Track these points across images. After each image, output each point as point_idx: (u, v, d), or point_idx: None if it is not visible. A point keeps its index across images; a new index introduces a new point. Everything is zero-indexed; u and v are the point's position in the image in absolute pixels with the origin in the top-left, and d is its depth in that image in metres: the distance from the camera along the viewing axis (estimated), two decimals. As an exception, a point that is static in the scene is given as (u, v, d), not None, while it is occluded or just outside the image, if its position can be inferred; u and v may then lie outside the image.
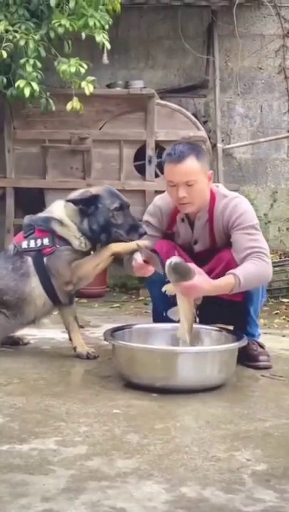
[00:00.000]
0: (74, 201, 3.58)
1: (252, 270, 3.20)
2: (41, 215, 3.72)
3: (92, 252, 3.64)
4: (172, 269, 3.02)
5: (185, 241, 3.54)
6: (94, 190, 3.65)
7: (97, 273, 3.65)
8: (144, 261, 3.26)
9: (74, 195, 3.64)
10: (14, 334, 3.82)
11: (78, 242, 3.57)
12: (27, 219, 3.69)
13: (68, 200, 3.60)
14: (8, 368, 3.39)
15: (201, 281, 3.09)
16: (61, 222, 3.58)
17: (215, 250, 3.46)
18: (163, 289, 3.13)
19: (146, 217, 3.62)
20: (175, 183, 3.32)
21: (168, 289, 3.12)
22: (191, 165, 3.30)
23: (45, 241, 3.55)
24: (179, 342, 3.17)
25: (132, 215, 3.60)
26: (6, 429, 2.52)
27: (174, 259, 3.06)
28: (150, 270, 3.29)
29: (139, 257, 3.28)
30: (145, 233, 3.50)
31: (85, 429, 2.53)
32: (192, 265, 3.14)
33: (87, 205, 3.54)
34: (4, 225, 6.11)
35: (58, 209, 3.64)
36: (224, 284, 3.15)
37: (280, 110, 7.00)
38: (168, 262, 3.04)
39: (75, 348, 3.61)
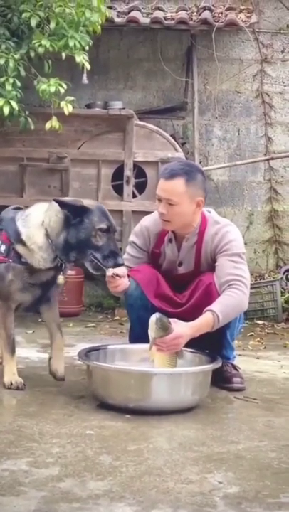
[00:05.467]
0: (61, 203, 3.29)
1: (229, 303, 3.23)
2: (18, 223, 3.39)
3: (53, 271, 3.37)
4: (160, 324, 3.03)
5: (170, 262, 3.54)
6: (86, 202, 3.36)
7: None
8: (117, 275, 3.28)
9: (64, 198, 3.44)
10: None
11: (37, 262, 3.31)
12: (4, 213, 3.48)
13: (55, 200, 3.31)
14: (-19, 387, 3.36)
15: (183, 329, 3.11)
16: (25, 243, 3.30)
17: (198, 274, 3.47)
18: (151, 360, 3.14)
19: (132, 238, 3.64)
20: (160, 198, 3.37)
21: (153, 357, 3.12)
22: (176, 186, 3.32)
23: (2, 248, 3.34)
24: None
25: (116, 243, 3.35)
26: (-22, 450, 2.49)
27: (158, 314, 3.07)
28: (125, 283, 3.33)
29: (110, 272, 3.27)
30: (122, 264, 3.34)
31: (57, 450, 2.51)
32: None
33: (73, 214, 3.26)
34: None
35: (35, 219, 3.34)
36: (204, 322, 3.17)
37: (257, 134, 7.08)
38: (152, 319, 3.04)
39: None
